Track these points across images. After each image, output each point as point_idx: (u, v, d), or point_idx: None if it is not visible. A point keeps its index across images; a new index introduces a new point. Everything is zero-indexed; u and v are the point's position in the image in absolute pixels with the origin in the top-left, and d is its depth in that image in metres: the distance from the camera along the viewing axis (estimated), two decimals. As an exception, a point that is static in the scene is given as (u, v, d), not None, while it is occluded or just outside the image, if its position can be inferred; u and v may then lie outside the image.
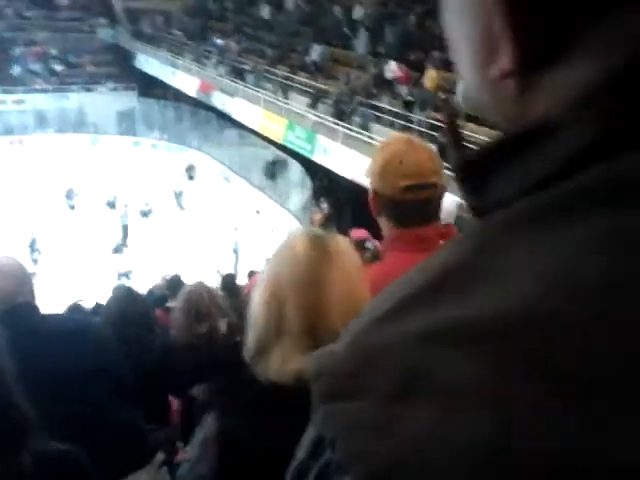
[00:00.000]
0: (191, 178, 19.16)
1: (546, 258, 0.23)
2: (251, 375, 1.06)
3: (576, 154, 0.25)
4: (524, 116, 0.28)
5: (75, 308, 4.05)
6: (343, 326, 1.14)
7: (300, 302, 1.04)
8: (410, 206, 1.29)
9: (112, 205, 16.47)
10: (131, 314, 2.83)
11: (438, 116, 11.63)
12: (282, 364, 1.03)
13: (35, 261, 13.55)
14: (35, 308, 1.99)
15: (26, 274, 2.06)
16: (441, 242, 1.27)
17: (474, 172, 0.30)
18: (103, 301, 3.66)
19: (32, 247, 14.01)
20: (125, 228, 15.49)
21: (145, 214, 16.40)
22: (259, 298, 1.09)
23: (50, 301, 4.50)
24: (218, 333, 2.74)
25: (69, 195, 16.81)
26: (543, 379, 0.20)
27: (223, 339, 2.71)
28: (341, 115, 13.26)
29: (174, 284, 5.76)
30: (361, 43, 15.29)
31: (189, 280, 5.97)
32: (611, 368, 0.20)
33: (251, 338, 1.09)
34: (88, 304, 5.18)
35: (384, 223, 1.36)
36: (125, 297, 3.09)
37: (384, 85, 13.46)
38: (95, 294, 9.22)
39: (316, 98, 14.54)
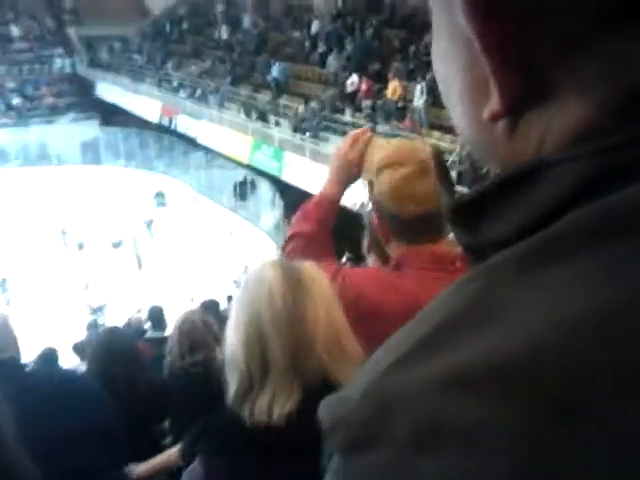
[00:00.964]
0: (161, 205, 18.95)
1: (548, 296, 0.23)
2: (235, 416, 1.03)
3: (568, 193, 0.25)
4: (517, 157, 0.29)
5: (47, 355, 3.86)
6: (328, 355, 1.10)
7: (283, 339, 1.02)
8: (418, 220, 1.25)
9: (81, 247, 16.19)
10: (116, 352, 2.79)
11: (401, 126, 11.76)
12: (271, 405, 1.00)
13: (7, 301, 13.26)
14: (19, 365, 1.95)
15: (8, 328, 2.02)
16: (457, 263, 1.21)
17: (467, 214, 0.30)
18: (77, 339, 3.57)
19: (2, 287, 13.71)
20: (139, 258, 15.31)
21: (116, 245, 16.16)
22: (238, 339, 1.05)
23: (24, 341, 4.39)
24: (215, 363, 2.68)
25: (64, 232, 16.46)
26: (554, 420, 0.20)
27: (219, 370, 2.64)
28: (304, 131, 13.31)
29: (154, 314, 5.68)
30: (322, 58, 15.39)
31: (169, 310, 5.90)
32: (618, 406, 0.20)
33: (233, 380, 1.05)
34: (61, 347, 5.03)
35: (395, 247, 1.29)
36: (108, 335, 3.05)
37: (347, 98, 13.55)
38: (69, 332, 9.05)
39: (262, 114, 14.68)
